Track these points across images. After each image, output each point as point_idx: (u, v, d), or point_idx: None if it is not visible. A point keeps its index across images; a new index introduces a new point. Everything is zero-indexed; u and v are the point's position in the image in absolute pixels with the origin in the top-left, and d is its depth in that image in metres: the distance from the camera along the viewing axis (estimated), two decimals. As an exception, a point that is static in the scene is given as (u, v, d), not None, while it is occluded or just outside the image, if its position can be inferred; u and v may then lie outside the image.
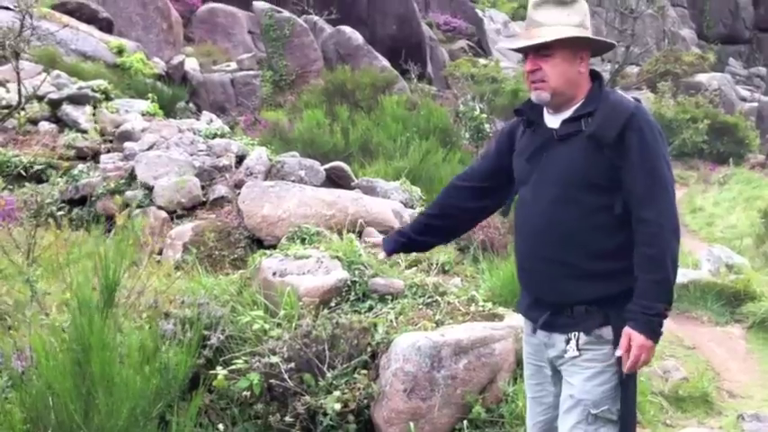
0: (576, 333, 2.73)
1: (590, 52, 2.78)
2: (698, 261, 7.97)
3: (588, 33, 2.75)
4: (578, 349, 2.73)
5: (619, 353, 2.65)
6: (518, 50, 2.85)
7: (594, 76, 2.82)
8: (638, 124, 2.62)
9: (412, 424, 3.93)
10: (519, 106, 2.97)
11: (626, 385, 2.69)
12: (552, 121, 2.81)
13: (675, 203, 2.67)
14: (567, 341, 2.76)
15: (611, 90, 2.80)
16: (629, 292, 2.66)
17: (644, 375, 4.92)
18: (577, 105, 2.75)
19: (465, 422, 4.00)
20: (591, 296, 2.70)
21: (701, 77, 26.27)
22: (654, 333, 2.61)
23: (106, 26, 17.33)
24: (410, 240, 3.23)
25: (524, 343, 3.08)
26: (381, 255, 3.29)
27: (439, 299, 4.85)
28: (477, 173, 3.17)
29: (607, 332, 2.69)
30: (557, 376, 2.88)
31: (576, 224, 2.69)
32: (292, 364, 4.13)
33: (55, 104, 10.79)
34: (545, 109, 2.84)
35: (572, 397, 2.76)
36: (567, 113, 2.76)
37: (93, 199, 8.00)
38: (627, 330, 2.62)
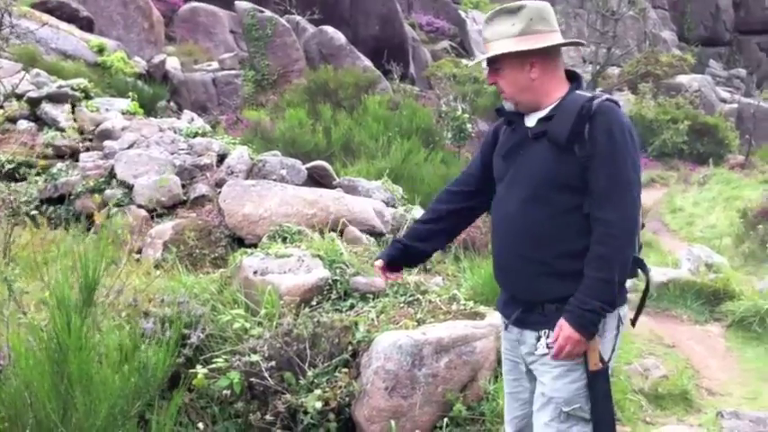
0: (546, 331, 2.74)
1: (542, 57, 2.75)
2: (678, 260, 8.03)
3: (534, 40, 2.72)
4: (548, 347, 2.74)
5: (547, 341, 2.70)
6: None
7: (572, 77, 2.84)
8: (600, 122, 2.61)
9: (393, 422, 3.93)
10: (500, 106, 2.99)
11: (592, 384, 2.68)
12: (530, 120, 2.83)
13: (637, 205, 2.65)
14: (538, 338, 2.78)
15: (582, 91, 2.77)
16: None
17: (623, 373, 4.95)
18: (553, 105, 2.76)
19: (446, 420, 4.00)
20: (561, 294, 2.69)
21: (682, 79, 26.46)
22: (583, 328, 2.61)
23: (87, 25, 17.21)
24: (406, 247, 3.15)
25: (502, 339, 3.10)
26: (378, 263, 3.19)
27: (420, 297, 4.85)
28: (466, 175, 3.18)
29: None
30: (532, 373, 2.89)
31: (547, 223, 2.70)
32: (273, 363, 4.12)
33: (34, 103, 10.68)
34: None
35: (543, 395, 2.77)
36: (543, 113, 2.78)
37: (71, 198, 7.92)
38: (560, 321, 2.65)
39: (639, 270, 2.83)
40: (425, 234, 3.16)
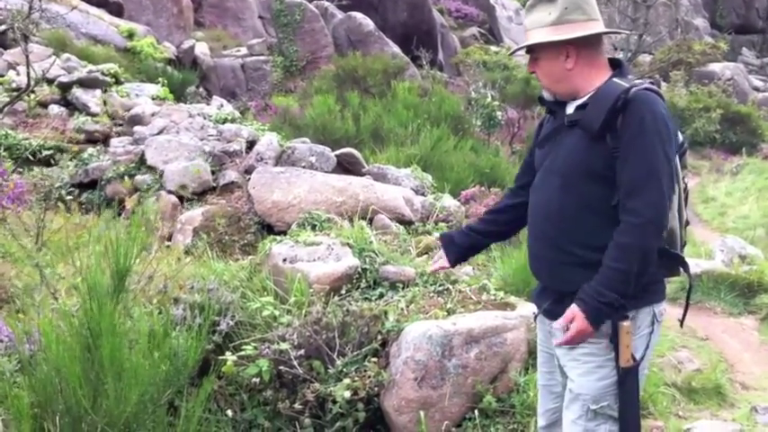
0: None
1: (577, 46, 2.69)
2: (711, 251, 7.90)
3: (569, 29, 2.67)
4: (562, 329, 2.68)
5: (557, 325, 2.66)
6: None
7: (615, 65, 2.78)
8: (633, 111, 2.55)
9: (422, 413, 3.90)
10: (541, 95, 2.94)
11: (622, 382, 2.62)
12: (570, 108, 2.78)
13: (664, 197, 2.56)
14: (566, 331, 2.69)
15: (621, 79, 2.69)
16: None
17: (656, 366, 4.88)
18: (591, 93, 2.70)
19: (476, 412, 3.95)
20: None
21: (714, 67, 26.10)
22: (596, 320, 2.56)
23: (116, 10, 17.29)
24: (476, 233, 3.19)
25: (537, 330, 3.06)
26: (442, 263, 3.24)
27: (450, 287, 4.80)
28: (522, 170, 3.17)
29: (605, 325, 2.61)
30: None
31: (578, 213, 2.66)
32: (302, 351, 4.10)
33: (65, 88, 10.77)
34: None
35: (571, 391, 2.73)
36: (581, 100, 2.72)
37: (102, 183, 7.98)
38: (572, 307, 2.59)
39: (681, 269, 2.77)
40: (492, 223, 3.21)
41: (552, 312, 2.80)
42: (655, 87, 2.65)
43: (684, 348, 5.55)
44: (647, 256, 2.55)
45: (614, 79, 2.67)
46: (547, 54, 2.72)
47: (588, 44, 2.71)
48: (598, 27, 2.73)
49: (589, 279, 2.62)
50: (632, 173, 2.53)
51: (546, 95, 2.84)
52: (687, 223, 2.83)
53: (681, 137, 2.77)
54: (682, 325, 2.96)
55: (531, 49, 2.76)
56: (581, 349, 2.68)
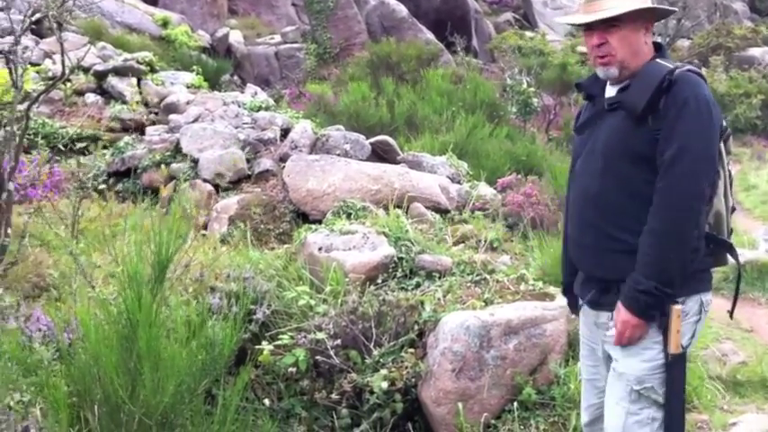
0: None
1: (651, 24, 2.68)
2: (755, 240, 7.73)
3: (649, 3, 2.65)
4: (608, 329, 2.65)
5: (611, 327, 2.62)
6: (582, 25, 2.72)
7: (657, 47, 2.72)
8: (676, 92, 2.49)
9: (460, 404, 3.85)
10: (580, 80, 2.87)
11: (671, 368, 2.54)
12: (610, 91, 2.73)
13: (702, 180, 2.48)
14: (612, 318, 2.65)
15: (660, 60, 2.64)
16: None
17: (699, 359, 4.78)
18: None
19: (515, 404, 3.89)
20: None
21: (754, 51, 25.53)
22: (640, 311, 2.50)
23: (151, -1, 17.37)
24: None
25: (580, 323, 2.99)
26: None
27: (488, 277, 4.74)
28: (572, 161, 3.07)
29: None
30: (610, 359, 2.76)
31: (621, 197, 2.60)
32: (338, 341, 4.07)
33: (101, 76, 10.84)
34: (608, 82, 2.75)
35: (615, 370, 2.67)
36: (623, 84, 2.67)
37: (138, 171, 8.01)
38: (618, 311, 2.56)
39: (729, 256, 2.68)
40: None
41: (598, 303, 2.73)
42: (697, 69, 2.59)
43: (729, 340, 5.42)
44: (683, 240, 2.47)
45: (657, 60, 2.62)
46: (632, 25, 2.63)
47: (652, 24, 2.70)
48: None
49: (632, 264, 2.55)
50: (671, 153, 2.47)
51: (609, 72, 2.68)
52: (733, 209, 2.76)
53: (723, 122, 2.68)
54: (732, 316, 2.88)
55: (607, 19, 2.62)
56: None
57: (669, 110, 2.49)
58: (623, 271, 2.59)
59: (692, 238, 2.49)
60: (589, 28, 2.69)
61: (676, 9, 2.77)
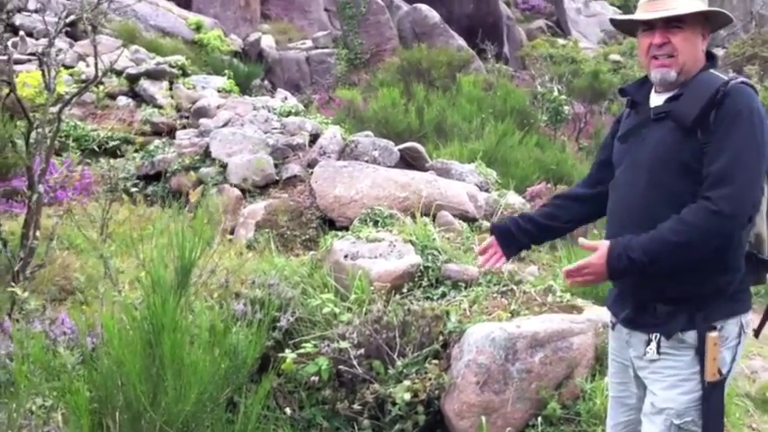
0: (657, 335, 2.55)
1: (711, 29, 2.63)
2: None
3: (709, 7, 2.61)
4: (659, 352, 2.54)
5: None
6: (645, 22, 2.64)
7: (709, 56, 2.64)
8: (729, 104, 2.40)
9: (484, 418, 3.80)
10: (624, 86, 2.79)
11: (708, 396, 2.46)
12: (657, 100, 2.63)
13: (751, 196, 2.40)
14: (648, 342, 2.57)
15: (714, 71, 2.55)
16: (718, 293, 2.47)
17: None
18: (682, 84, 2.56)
19: (539, 418, 3.84)
20: (677, 294, 2.50)
21: (791, 61, 25.18)
22: (612, 267, 2.44)
23: (185, 2, 17.52)
24: (536, 228, 2.99)
25: (610, 338, 2.91)
26: (495, 261, 3.04)
27: (514, 287, 4.68)
28: (594, 165, 3.02)
29: (691, 336, 2.48)
30: (641, 378, 2.70)
31: (665, 211, 2.47)
32: (362, 351, 4.05)
33: (133, 79, 10.93)
34: (654, 88, 2.67)
35: (654, 405, 2.57)
36: (673, 92, 2.57)
37: (167, 175, 8.05)
38: (602, 244, 2.48)
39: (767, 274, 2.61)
40: (555, 214, 3.01)
41: (633, 321, 2.64)
42: (750, 82, 2.51)
43: (758, 357, 5.32)
44: (703, 247, 2.39)
45: (711, 70, 2.54)
46: (695, 28, 2.57)
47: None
48: None
49: (675, 286, 2.49)
50: (719, 166, 2.38)
51: (672, 75, 2.58)
52: None
53: None
54: (757, 336, 2.80)
55: (675, 18, 2.56)
56: (664, 362, 2.54)
57: (721, 122, 2.41)
58: (659, 291, 2.53)
59: (710, 249, 2.40)
60: (650, 27, 2.61)
61: (733, 18, 2.70)
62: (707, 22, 2.60)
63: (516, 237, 3.00)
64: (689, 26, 2.56)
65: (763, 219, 2.55)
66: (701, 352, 2.46)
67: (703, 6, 2.56)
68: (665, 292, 2.51)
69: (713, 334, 2.44)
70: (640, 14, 2.65)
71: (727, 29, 26.21)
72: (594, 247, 2.51)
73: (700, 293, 2.48)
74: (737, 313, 2.52)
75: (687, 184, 2.46)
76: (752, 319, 2.59)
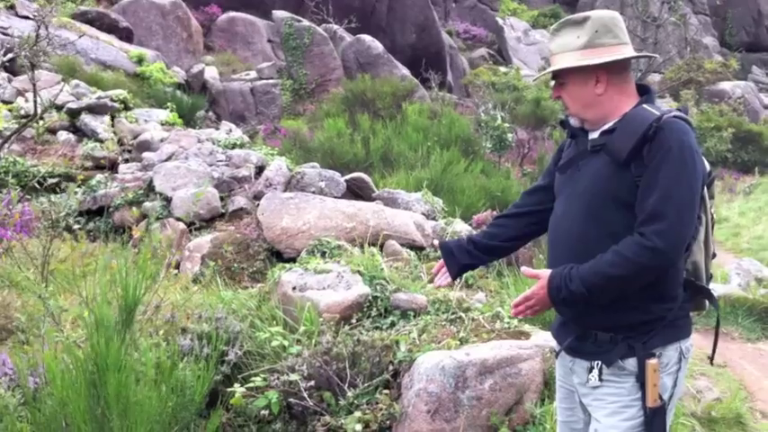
0: (599, 362, 2.58)
1: (608, 70, 2.58)
2: (727, 274, 7.79)
3: (598, 53, 2.56)
4: (600, 380, 2.58)
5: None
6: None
7: (643, 91, 2.67)
8: (661, 139, 2.43)
9: (436, 446, 3.79)
10: (564, 118, 2.82)
11: (650, 422, 2.49)
12: (593, 133, 2.67)
13: (683, 231, 2.43)
14: (590, 369, 2.61)
15: (647, 106, 2.57)
16: (656, 321, 2.51)
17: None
18: (617, 119, 2.60)
19: (491, 445, 3.85)
20: (616, 322, 2.54)
21: (725, 85, 26.02)
22: (553, 297, 2.51)
23: (126, 35, 17.38)
24: (479, 249, 3.03)
25: (557, 365, 2.93)
26: (444, 281, 3.10)
27: (463, 315, 4.70)
28: (535, 186, 3.06)
29: (631, 364, 2.52)
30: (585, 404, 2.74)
31: (600, 242, 2.51)
32: (312, 383, 4.02)
33: (74, 114, 10.78)
34: None
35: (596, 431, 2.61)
36: (606, 126, 2.61)
37: (110, 210, 7.93)
38: (543, 273, 2.55)
39: (708, 302, 2.67)
40: (500, 233, 3.04)
41: (575, 349, 2.68)
42: (684, 116, 2.53)
43: (703, 376, 5.43)
44: (639, 280, 2.44)
45: (644, 105, 2.56)
46: (576, 79, 2.61)
47: (619, 69, 2.61)
48: (629, 51, 2.63)
49: (614, 315, 2.53)
50: (652, 202, 2.41)
51: (573, 122, 2.71)
52: (714, 255, 2.72)
53: (708, 166, 2.66)
54: (712, 362, 2.85)
55: (557, 74, 2.65)
56: (606, 389, 2.58)
57: (653, 157, 2.43)
58: (599, 320, 2.57)
59: (643, 281, 2.46)
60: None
61: (618, 58, 2.72)
62: (598, 66, 2.57)
63: (457, 257, 3.05)
64: (569, 80, 2.62)
65: (700, 247, 2.60)
66: (641, 379, 2.49)
67: (569, 61, 2.58)
68: (605, 320, 2.55)
69: (653, 361, 2.48)
70: (535, 76, 2.79)
71: (664, 54, 26.95)
72: (536, 275, 2.57)
73: (638, 322, 2.52)
74: (677, 339, 2.56)
75: (621, 217, 2.50)
76: (693, 343, 2.63)
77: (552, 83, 2.75)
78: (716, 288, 7.00)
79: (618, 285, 2.45)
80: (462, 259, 3.05)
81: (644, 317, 2.52)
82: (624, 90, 2.62)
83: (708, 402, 4.89)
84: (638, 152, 2.46)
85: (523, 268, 2.68)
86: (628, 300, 2.50)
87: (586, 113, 2.63)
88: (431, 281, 3.15)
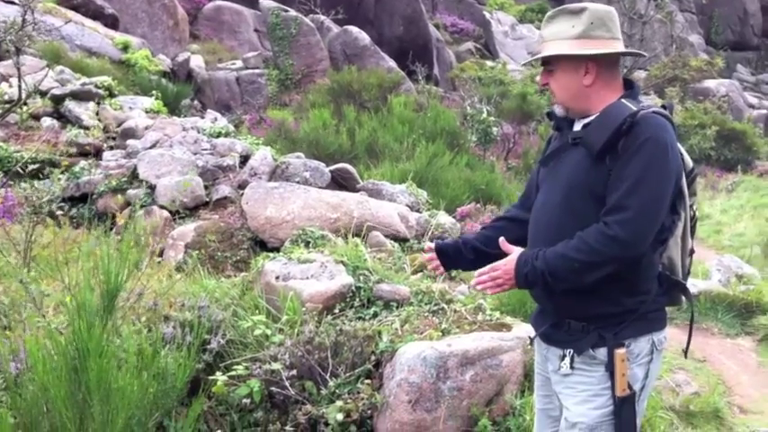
0: (571, 350, 2.62)
1: (598, 63, 2.60)
2: (707, 270, 7.85)
3: (592, 44, 2.58)
4: (572, 368, 2.62)
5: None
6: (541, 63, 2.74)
7: (628, 86, 2.68)
8: (635, 133, 2.44)
9: (416, 436, 3.81)
10: (550, 110, 2.83)
11: (619, 411, 2.53)
12: (577, 125, 2.69)
13: (648, 226, 2.44)
14: (562, 357, 2.65)
15: (627, 100, 2.58)
16: (628, 313, 2.54)
17: (654, 389, 4.81)
18: (598, 113, 2.61)
19: (471, 435, 3.88)
20: (588, 312, 2.57)
21: (709, 83, 26.13)
22: (518, 272, 2.55)
23: (112, 22, 17.26)
24: (472, 250, 2.99)
25: (535, 353, 2.97)
26: (433, 264, 3.06)
27: (445, 306, 4.72)
28: (527, 188, 3.06)
29: (602, 353, 2.55)
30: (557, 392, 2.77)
31: (575, 233, 2.53)
32: (294, 372, 4.03)
33: (58, 100, 10.71)
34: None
35: (567, 420, 2.65)
36: (588, 119, 2.63)
37: (94, 197, 7.89)
38: (515, 253, 2.60)
39: (683, 296, 2.70)
40: (481, 247, 2.99)
41: (549, 337, 2.73)
42: (664, 111, 2.54)
43: (682, 370, 5.48)
44: (600, 268, 2.46)
45: (623, 100, 2.57)
46: (566, 67, 2.62)
47: (609, 63, 2.63)
48: (620, 46, 2.65)
49: (586, 304, 2.56)
50: (618, 193, 2.44)
51: (557, 110, 2.73)
52: (692, 252, 2.74)
53: (691, 163, 2.68)
54: (686, 355, 2.89)
55: (546, 61, 2.66)
56: (576, 377, 2.61)
57: (626, 151, 2.44)
58: (572, 309, 2.60)
59: (602, 271, 2.47)
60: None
61: (626, 52, 2.76)
62: (583, 58, 2.58)
63: (454, 260, 3.05)
64: (559, 67, 2.63)
65: (677, 242, 2.63)
66: (610, 368, 2.53)
67: (561, 48, 2.59)
68: (579, 310, 2.59)
69: (621, 351, 2.51)
70: (524, 60, 2.81)
71: (649, 52, 27.05)
72: (510, 250, 2.62)
73: (609, 313, 2.56)
74: (649, 331, 2.58)
75: (596, 210, 2.51)
76: (667, 336, 2.66)
77: (541, 69, 2.77)
78: (697, 284, 7.07)
79: (579, 271, 2.47)
80: (459, 263, 3.06)
81: (615, 308, 2.55)
82: (611, 85, 2.64)
83: (686, 396, 4.94)
84: (613, 146, 2.48)
85: (501, 239, 2.69)
86: (600, 292, 2.53)
87: (572, 103, 2.66)
88: (415, 272, 3.16)
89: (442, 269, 3.08)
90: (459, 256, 3.02)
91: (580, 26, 2.60)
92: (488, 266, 2.62)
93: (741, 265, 7.94)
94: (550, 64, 2.65)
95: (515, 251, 2.61)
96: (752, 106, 27.82)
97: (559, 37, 2.62)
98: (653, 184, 2.43)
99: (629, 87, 2.68)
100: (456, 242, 3.06)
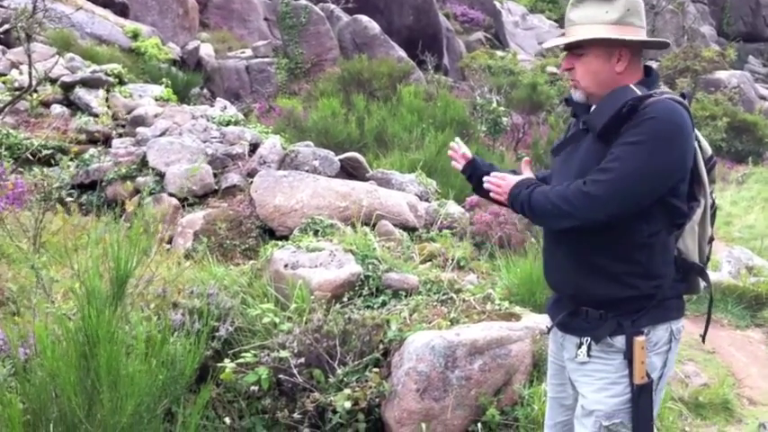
0: (588, 338, 2.62)
1: (631, 50, 2.59)
2: (718, 262, 7.81)
3: (627, 31, 2.57)
4: (589, 356, 2.61)
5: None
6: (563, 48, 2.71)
7: (647, 72, 2.66)
8: (641, 114, 2.42)
9: (424, 425, 3.82)
10: (569, 96, 2.80)
11: (636, 399, 2.52)
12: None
13: (623, 192, 2.40)
14: (579, 345, 2.65)
15: (635, 86, 2.55)
16: (644, 298, 2.53)
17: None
18: None
19: (479, 424, 3.88)
20: (606, 298, 2.56)
21: (721, 75, 25.94)
22: (511, 196, 2.70)
23: (122, 10, 17.25)
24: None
25: (549, 341, 2.96)
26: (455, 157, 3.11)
27: (454, 296, 4.72)
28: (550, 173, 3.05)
29: (620, 341, 2.55)
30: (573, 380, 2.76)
31: None
32: (302, 360, 4.03)
33: (68, 87, 10.71)
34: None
35: (584, 408, 2.64)
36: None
37: (103, 184, 7.91)
38: (521, 177, 2.74)
39: (701, 279, 2.68)
40: None
41: (566, 325, 2.72)
42: (677, 98, 2.50)
43: (691, 362, 5.46)
44: (563, 217, 2.49)
45: (630, 85, 2.55)
46: (598, 52, 2.59)
47: (636, 51, 2.62)
48: (645, 36, 2.66)
49: (604, 290, 2.55)
50: (607, 159, 2.43)
51: (576, 96, 2.68)
52: (711, 239, 2.73)
53: (709, 150, 2.66)
54: (704, 340, 2.88)
55: (574, 46, 2.62)
56: (594, 365, 2.61)
57: (628, 130, 2.43)
58: (590, 295, 2.59)
59: (568, 224, 2.51)
60: (566, 50, 2.68)
61: (665, 42, 2.75)
62: (620, 43, 2.57)
63: (474, 172, 3.05)
64: (591, 52, 2.59)
65: (694, 229, 2.61)
66: (629, 356, 2.52)
67: (598, 33, 2.56)
68: (596, 296, 2.58)
69: (640, 338, 2.50)
70: (548, 42, 2.84)
71: (660, 43, 26.90)
72: (524, 172, 2.82)
73: (626, 297, 2.54)
74: (667, 320, 2.58)
75: None
76: (684, 325, 2.65)
77: (548, 60, 2.75)
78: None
79: (550, 214, 2.55)
80: (473, 177, 3.07)
81: (630, 292, 2.54)
82: (634, 74, 2.63)
83: (695, 387, 4.92)
84: (615, 129, 2.46)
85: (525, 158, 2.92)
86: (613, 274, 2.53)
87: (598, 89, 2.62)
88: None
89: (459, 165, 3.10)
90: (480, 173, 3.01)
91: (615, 12, 2.58)
92: (500, 174, 2.81)
93: (751, 256, 7.88)
94: (582, 48, 2.61)
95: (524, 175, 2.76)
96: (763, 98, 27.62)
97: (593, 21, 2.59)
98: (644, 156, 2.40)
99: (648, 74, 2.66)
100: (489, 165, 3.09)
